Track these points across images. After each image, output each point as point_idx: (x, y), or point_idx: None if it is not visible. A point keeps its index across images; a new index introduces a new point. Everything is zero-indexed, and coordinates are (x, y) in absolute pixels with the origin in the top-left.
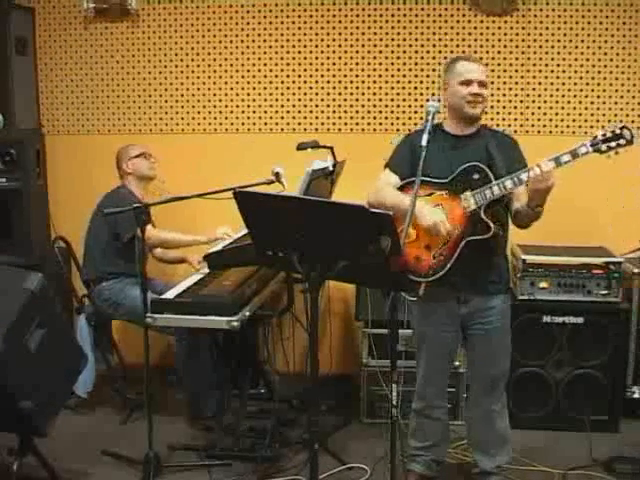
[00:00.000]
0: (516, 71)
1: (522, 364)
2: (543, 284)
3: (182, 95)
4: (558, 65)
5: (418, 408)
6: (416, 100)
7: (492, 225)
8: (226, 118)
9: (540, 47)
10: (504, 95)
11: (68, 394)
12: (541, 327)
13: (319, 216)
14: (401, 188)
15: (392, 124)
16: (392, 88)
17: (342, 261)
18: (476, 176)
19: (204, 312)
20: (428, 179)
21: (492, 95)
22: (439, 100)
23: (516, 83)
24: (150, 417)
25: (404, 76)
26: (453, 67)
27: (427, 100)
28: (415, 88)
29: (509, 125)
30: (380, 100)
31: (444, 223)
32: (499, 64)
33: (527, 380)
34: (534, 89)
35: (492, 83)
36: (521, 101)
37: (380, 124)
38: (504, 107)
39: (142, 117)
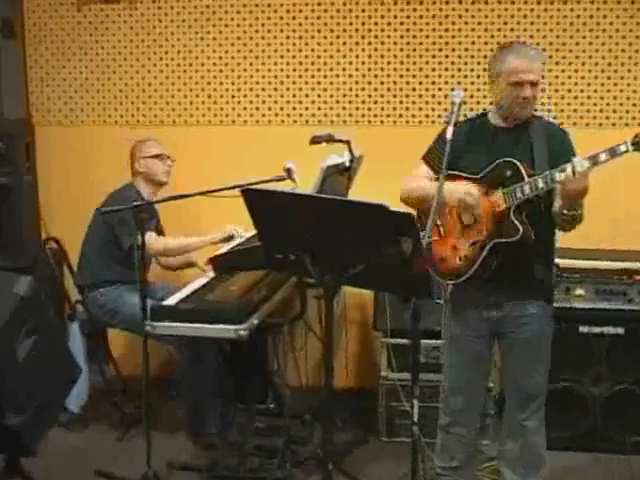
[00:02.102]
0: (550, 57)
1: (556, 379)
2: (579, 291)
3: (185, 83)
4: (597, 50)
5: (443, 424)
6: (440, 89)
7: (520, 227)
8: (233, 109)
9: (577, 31)
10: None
11: (60, 409)
12: (577, 338)
13: (334, 216)
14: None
15: (414, 116)
16: (414, 76)
17: (359, 264)
18: (509, 173)
19: (209, 320)
20: (462, 173)
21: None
22: (465, 89)
23: (549, 70)
24: (149, 433)
25: (427, 63)
26: (503, 60)
27: (452, 90)
28: (439, 76)
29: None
30: (401, 90)
31: (471, 191)
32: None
33: (561, 396)
34: (569, 77)
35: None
36: (556, 90)
37: (401, 116)
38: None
39: (141, 107)
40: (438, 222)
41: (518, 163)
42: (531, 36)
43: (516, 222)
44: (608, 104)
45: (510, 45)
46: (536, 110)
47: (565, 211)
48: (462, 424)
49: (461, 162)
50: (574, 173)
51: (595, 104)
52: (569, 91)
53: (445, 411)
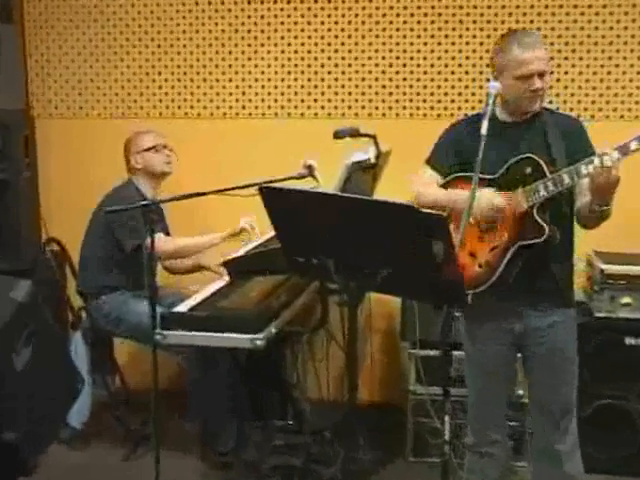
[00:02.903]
0: (581, 44)
1: (600, 395)
2: (626, 299)
3: (198, 72)
4: (633, 36)
5: (470, 443)
6: (474, 80)
7: (546, 227)
8: (250, 100)
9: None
10: (566, 73)
11: (61, 424)
12: (623, 350)
13: (359, 216)
14: (442, 187)
15: (445, 108)
16: (446, 66)
17: (386, 269)
18: (529, 170)
19: (223, 328)
20: (470, 174)
21: (551, 73)
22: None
23: (580, 59)
24: (157, 452)
25: (460, 51)
26: (507, 52)
27: (487, 80)
28: (473, 65)
29: (571, 109)
30: (432, 80)
31: (494, 198)
32: (560, 35)
33: (606, 414)
34: (602, 66)
35: (552, 59)
36: (587, 80)
37: (432, 108)
38: (566, 87)
39: (151, 98)
40: (451, 227)
41: (538, 159)
42: (559, 21)
43: (541, 221)
44: (616, 95)
45: (511, 34)
46: (551, 102)
47: (596, 207)
48: (489, 443)
49: (473, 162)
50: (602, 165)
51: (630, 94)
52: (601, 81)
53: (471, 429)
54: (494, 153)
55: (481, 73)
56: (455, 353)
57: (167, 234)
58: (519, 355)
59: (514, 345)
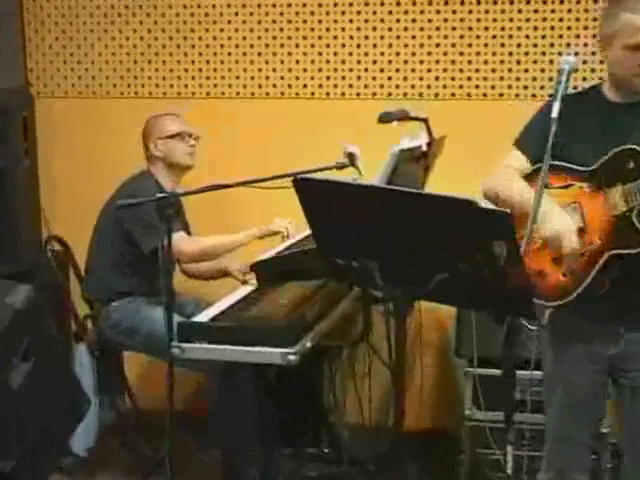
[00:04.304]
0: None
1: None
2: None
3: (222, 46)
4: None
5: None
6: (544, 54)
7: None
8: (282, 78)
9: None
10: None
11: (62, 451)
12: None
13: (408, 212)
14: (531, 175)
15: (510, 87)
16: (510, 37)
17: (439, 275)
18: (632, 165)
19: (250, 341)
20: (566, 164)
21: None
22: (576, 53)
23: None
24: None
25: (527, 20)
26: (616, 16)
27: (559, 54)
28: (543, 37)
29: None
30: (493, 54)
31: (571, 236)
32: None
33: None
34: None
35: None
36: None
37: (492, 87)
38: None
39: (167, 76)
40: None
41: None
42: None
43: None
44: None
45: None
46: None
47: None
48: None
49: (566, 150)
50: None
51: None
52: None
53: (548, 464)
54: (593, 140)
55: (552, 45)
56: (520, 373)
57: (188, 233)
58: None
59: (606, 371)
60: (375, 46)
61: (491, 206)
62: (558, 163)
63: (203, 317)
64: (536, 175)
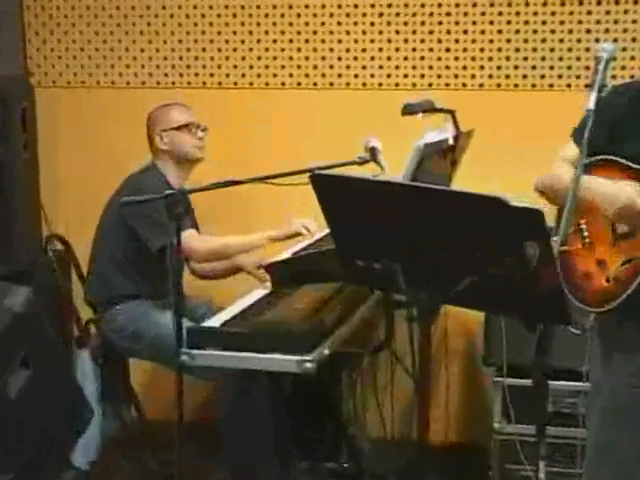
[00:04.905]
0: None
1: None
2: None
3: (235, 33)
4: None
5: None
6: (579, 41)
7: None
8: (299, 67)
9: None
10: None
11: (63, 464)
12: None
13: (434, 211)
14: (588, 169)
15: (542, 76)
16: (543, 23)
17: (466, 278)
18: None
19: (264, 347)
20: (619, 159)
21: None
22: (615, 40)
23: None
24: None
25: (562, 4)
26: None
27: (596, 41)
28: (579, 22)
29: None
30: (525, 41)
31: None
32: None
33: None
34: None
35: None
36: None
37: (524, 77)
38: None
39: (177, 64)
40: (582, 224)
41: None
42: None
43: None
44: None
45: None
46: None
47: None
48: None
49: (620, 144)
50: None
51: None
52: None
53: None
54: None
55: (588, 32)
56: (553, 384)
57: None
58: None
59: None
60: (398, 32)
61: (523, 204)
62: (611, 157)
63: (214, 322)
64: (596, 168)
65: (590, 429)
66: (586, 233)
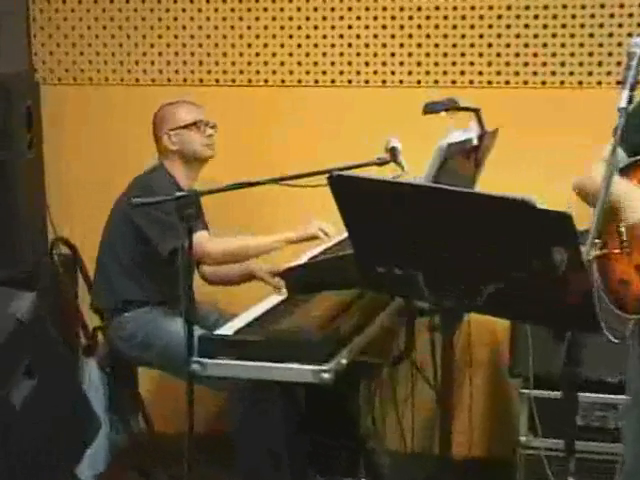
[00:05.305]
0: None
1: None
2: None
3: (249, 27)
4: None
5: None
6: (610, 35)
7: None
8: (315, 64)
9: None
10: None
11: (69, 477)
12: None
13: (457, 214)
14: (627, 170)
15: (572, 73)
16: (573, 17)
17: (491, 284)
18: None
19: (279, 357)
20: None
21: None
22: None
23: None
24: None
25: None
26: None
27: (629, 35)
28: (610, 16)
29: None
30: (553, 36)
31: None
32: None
33: None
34: None
35: None
36: None
37: (553, 74)
38: None
39: (188, 60)
40: (622, 228)
41: None
42: None
43: None
44: None
45: None
46: None
47: None
48: None
49: None
50: None
51: None
52: None
53: None
54: None
55: (620, 26)
56: (583, 395)
57: None
58: None
59: None
60: (420, 27)
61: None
62: None
63: (227, 330)
64: (633, 169)
65: (627, 441)
66: (624, 237)
